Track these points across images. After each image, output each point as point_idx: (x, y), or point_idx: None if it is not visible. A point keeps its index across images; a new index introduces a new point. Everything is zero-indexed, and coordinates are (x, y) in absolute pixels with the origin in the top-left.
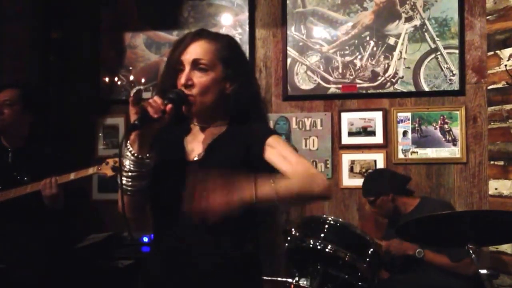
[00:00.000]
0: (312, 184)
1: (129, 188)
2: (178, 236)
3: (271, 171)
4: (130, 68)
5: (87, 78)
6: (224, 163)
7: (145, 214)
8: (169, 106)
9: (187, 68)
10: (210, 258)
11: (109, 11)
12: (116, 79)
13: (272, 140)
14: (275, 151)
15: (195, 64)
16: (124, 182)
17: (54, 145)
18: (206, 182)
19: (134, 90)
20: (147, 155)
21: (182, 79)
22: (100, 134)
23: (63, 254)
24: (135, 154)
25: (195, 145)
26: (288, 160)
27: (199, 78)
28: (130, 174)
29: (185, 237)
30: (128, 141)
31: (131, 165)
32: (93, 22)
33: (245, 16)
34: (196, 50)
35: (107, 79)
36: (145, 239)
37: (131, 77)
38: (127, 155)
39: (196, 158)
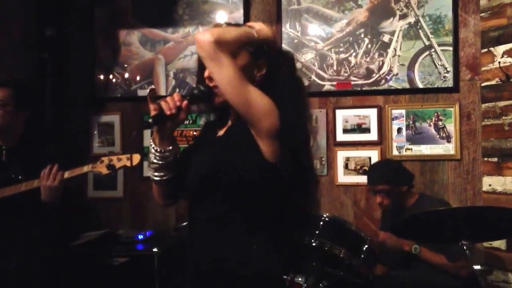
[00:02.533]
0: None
1: (156, 179)
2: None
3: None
4: (125, 65)
5: (82, 76)
6: (215, 151)
7: (177, 201)
8: (185, 102)
9: None
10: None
11: (104, 8)
12: (111, 76)
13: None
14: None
15: None
16: (151, 173)
17: (49, 143)
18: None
19: (152, 87)
20: (168, 148)
21: (206, 72)
22: (95, 132)
23: (59, 252)
24: (155, 148)
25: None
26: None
27: None
28: (154, 166)
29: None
30: (152, 136)
31: (154, 158)
32: (88, 20)
33: (240, 13)
34: None
35: (101, 77)
36: (140, 237)
37: (126, 75)
38: (150, 149)
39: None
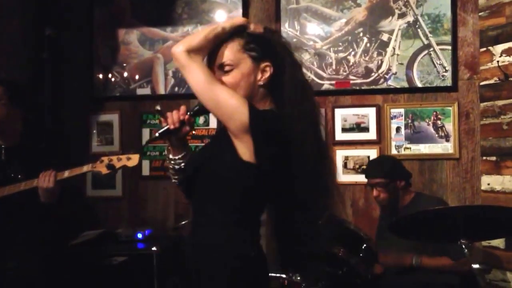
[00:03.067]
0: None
1: (175, 182)
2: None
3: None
4: (124, 64)
5: (81, 75)
6: (207, 148)
7: None
8: (187, 117)
9: (216, 72)
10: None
11: (102, 7)
12: (110, 75)
13: None
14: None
15: (221, 68)
16: (171, 176)
17: (48, 142)
18: None
19: (157, 107)
20: (180, 155)
21: None
22: (94, 131)
23: (57, 252)
24: (170, 157)
25: None
26: None
27: (226, 78)
28: (171, 171)
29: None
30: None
31: (170, 165)
32: (86, 19)
33: (238, 12)
34: (219, 54)
35: (100, 76)
36: (139, 236)
37: (125, 74)
38: (167, 158)
39: None
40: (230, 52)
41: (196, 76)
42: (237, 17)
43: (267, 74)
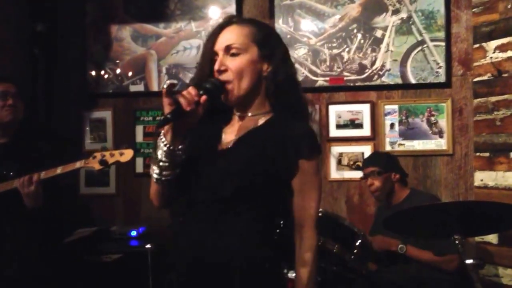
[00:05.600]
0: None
1: (160, 178)
2: (198, 224)
3: (286, 182)
4: (117, 61)
5: (73, 72)
6: (250, 158)
7: (171, 204)
8: (204, 97)
9: (220, 54)
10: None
11: (95, 3)
12: (102, 72)
13: (306, 164)
14: (301, 177)
15: (228, 50)
16: (155, 171)
17: (41, 140)
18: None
19: (167, 82)
20: (179, 146)
21: (216, 65)
22: (87, 128)
23: (50, 250)
24: (168, 145)
25: (231, 135)
26: (303, 195)
27: (232, 62)
28: (161, 164)
29: (204, 226)
30: (162, 131)
31: (163, 155)
32: (79, 15)
33: (232, 8)
34: (227, 37)
35: (93, 73)
36: (133, 233)
37: (118, 70)
38: (160, 145)
39: (228, 147)
40: (238, 36)
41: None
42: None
43: (270, 67)
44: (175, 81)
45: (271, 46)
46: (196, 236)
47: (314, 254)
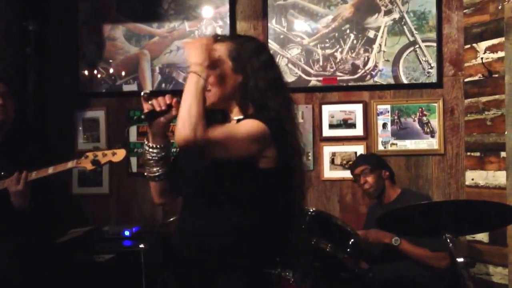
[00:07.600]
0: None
1: (150, 175)
2: (187, 216)
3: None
4: (110, 60)
5: (66, 71)
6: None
7: (174, 199)
8: (174, 100)
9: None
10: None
11: (87, 2)
12: (95, 72)
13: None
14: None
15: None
16: (147, 171)
17: (32, 139)
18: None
19: (145, 91)
20: (161, 144)
21: None
22: (79, 128)
23: (42, 250)
24: (148, 144)
25: None
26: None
27: (213, 73)
28: (149, 162)
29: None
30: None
31: (148, 154)
32: (71, 14)
33: (225, 8)
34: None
35: (86, 72)
36: (127, 233)
37: (111, 70)
38: (145, 147)
39: None
40: (217, 51)
41: (225, 145)
42: (195, 44)
43: (241, 79)
44: (147, 91)
45: (243, 60)
46: (181, 228)
47: None
